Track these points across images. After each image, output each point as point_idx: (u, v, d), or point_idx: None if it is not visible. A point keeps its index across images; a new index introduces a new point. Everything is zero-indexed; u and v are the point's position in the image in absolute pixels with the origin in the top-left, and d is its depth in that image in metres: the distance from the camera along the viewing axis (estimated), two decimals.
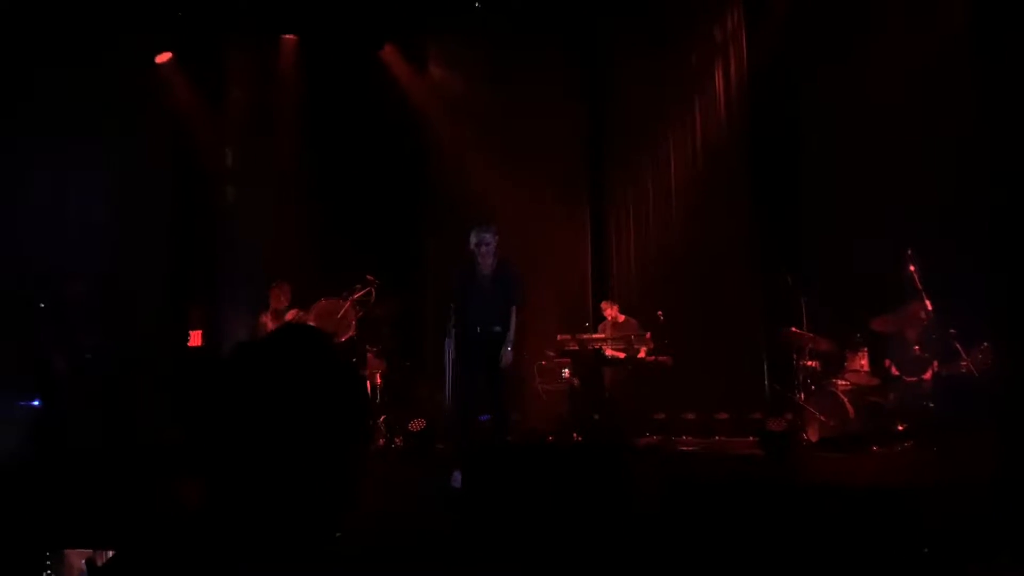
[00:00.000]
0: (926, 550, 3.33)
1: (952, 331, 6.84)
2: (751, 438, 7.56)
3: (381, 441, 7.79)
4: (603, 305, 8.78)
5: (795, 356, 7.57)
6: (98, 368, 7.04)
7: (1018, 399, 6.28)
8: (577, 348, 8.13)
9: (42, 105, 8.17)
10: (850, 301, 7.63)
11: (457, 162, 9.69)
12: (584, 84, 9.75)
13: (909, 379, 7.15)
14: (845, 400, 7.09)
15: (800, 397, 7.39)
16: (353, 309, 7.91)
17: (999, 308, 6.72)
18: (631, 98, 9.54)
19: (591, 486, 4.14)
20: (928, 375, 7.05)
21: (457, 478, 5.27)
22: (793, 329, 7.52)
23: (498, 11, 9.37)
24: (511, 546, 3.76)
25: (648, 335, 8.21)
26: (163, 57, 9.36)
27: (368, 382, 8.05)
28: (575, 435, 7.88)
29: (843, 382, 7.37)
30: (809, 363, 7.52)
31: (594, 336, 8.31)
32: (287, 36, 9.77)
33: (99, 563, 3.30)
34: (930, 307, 6.95)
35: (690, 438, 8.24)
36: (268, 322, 7.71)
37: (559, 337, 8.28)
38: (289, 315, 7.65)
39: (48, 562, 3.25)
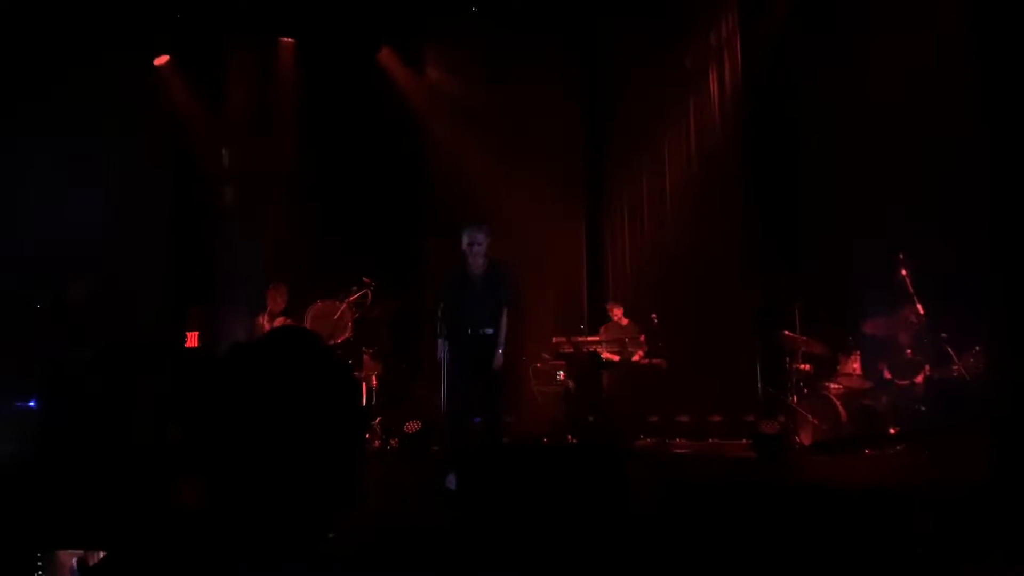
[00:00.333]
0: (920, 551, 3.36)
1: (944, 335, 6.88)
2: (744, 440, 7.61)
3: (377, 443, 7.82)
4: (609, 306, 8.81)
5: (788, 359, 7.61)
6: (95, 369, 7.05)
7: (1011, 401, 6.35)
8: (572, 351, 8.16)
9: (42, 106, 8.19)
10: (843, 304, 7.68)
11: (454, 164, 9.73)
12: (581, 86, 9.78)
13: (901, 382, 7.19)
14: (838, 403, 7.13)
15: (793, 400, 7.42)
16: (350, 311, 7.94)
17: (996, 311, 6.80)
18: (628, 100, 9.58)
19: (586, 488, 4.17)
20: (920, 379, 7.08)
21: (452, 480, 5.29)
22: (786, 332, 7.56)
23: (495, 14, 9.40)
24: (506, 548, 3.78)
25: (642, 338, 8.25)
26: (161, 60, 9.39)
27: (364, 384, 8.08)
28: (570, 437, 7.92)
29: (836, 385, 7.41)
30: (802, 366, 7.56)
31: (589, 339, 8.35)
32: (285, 39, 9.79)
33: (90, 563, 3.32)
34: (922, 311, 7.00)
35: (684, 440, 8.28)
36: (265, 323, 7.74)
37: (554, 339, 8.31)
38: (277, 322, 7.67)
39: (40, 563, 3.26)
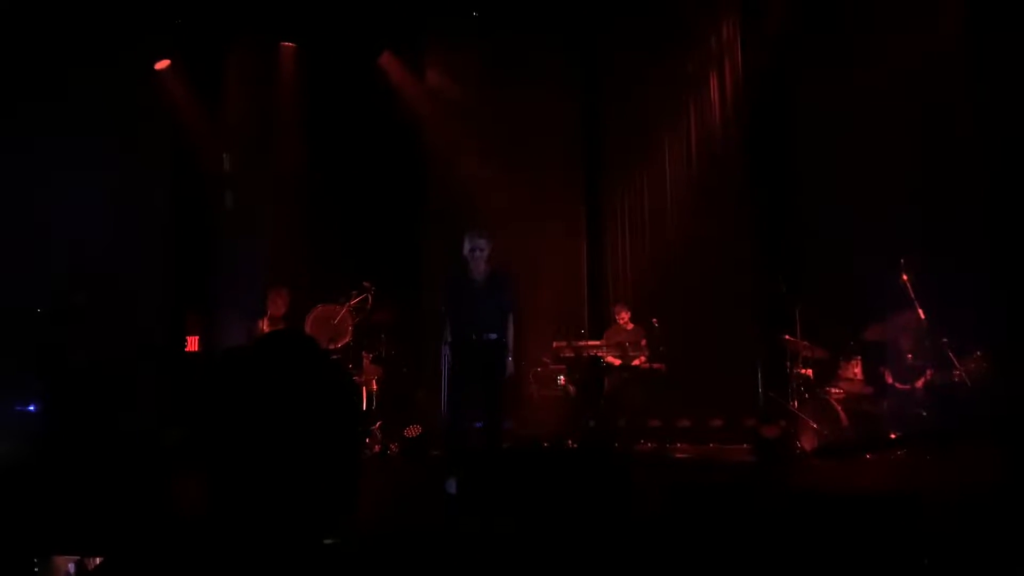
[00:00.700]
0: (926, 561, 3.35)
1: (945, 340, 6.87)
2: (745, 445, 7.59)
3: (377, 447, 7.81)
4: (617, 308, 8.81)
5: (789, 363, 7.60)
6: (95, 373, 7.05)
7: (1014, 406, 6.33)
8: (573, 355, 8.15)
9: (41, 108, 8.20)
10: (844, 309, 7.67)
11: (455, 168, 9.74)
12: (581, 90, 9.80)
13: (902, 387, 7.18)
14: (838, 408, 7.11)
15: (794, 405, 7.41)
16: (350, 315, 7.93)
17: (998, 315, 6.79)
18: (628, 104, 9.59)
19: (586, 493, 4.16)
20: (921, 383, 7.08)
21: (452, 485, 5.28)
22: (787, 337, 7.56)
23: (496, 18, 9.42)
24: (507, 552, 3.78)
25: (643, 342, 8.25)
26: (162, 64, 9.40)
27: (364, 388, 8.07)
28: (570, 442, 7.91)
29: (836, 390, 7.40)
30: (803, 371, 7.55)
31: (590, 343, 8.35)
32: (286, 43, 9.81)
33: (88, 569, 3.31)
34: (923, 316, 6.99)
35: (684, 445, 8.26)
36: (266, 327, 7.73)
37: (555, 344, 8.31)
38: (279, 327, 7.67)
39: (36, 568, 3.26)
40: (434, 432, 7.56)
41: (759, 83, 8.88)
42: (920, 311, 6.98)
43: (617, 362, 8.32)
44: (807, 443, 7.17)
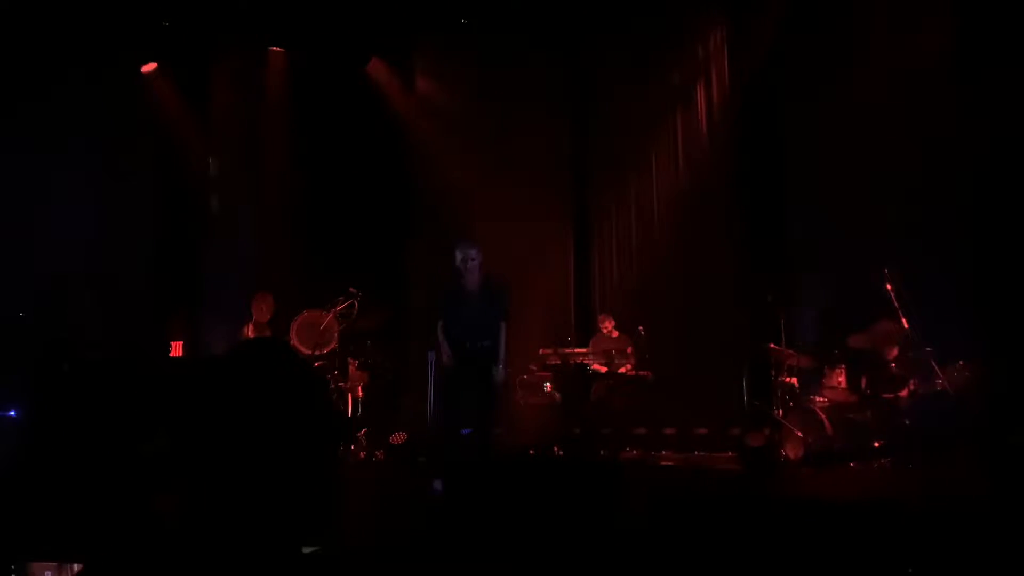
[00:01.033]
0: (910, 571, 3.36)
1: (928, 349, 6.92)
2: (730, 453, 7.61)
3: (362, 454, 7.77)
4: (601, 317, 8.83)
5: (774, 372, 7.63)
6: (76, 379, 6.98)
7: (997, 414, 6.38)
8: (559, 362, 8.15)
9: (25, 111, 8.14)
10: (829, 318, 7.72)
11: (442, 175, 9.73)
12: (569, 99, 9.83)
13: (886, 396, 7.22)
14: (823, 416, 7.14)
15: (779, 413, 7.44)
16: (336, 321, 7.90)
17: (982, 326, 6.85)
18: (616, 114, 9.63)
19: (571, 499, 4.16)
20: (905, 392, 7.12)
21: (438, 484, 5.29)
22: (772, 345, 7.59)
23: (485, 27, 9.44)
24: (493, 559, 3.77)
25: (629, 350, 8.26)
26: (148, 67, 9.36)
27: (349, 395, 8.04)
28: (556, 449, 7.90)
29: (821, 398, 7.43)
30: (788, 379, 7.58)
31: (576, 350, 8.35)
32: (274, 48, 9.79)
33: None
34: (906, 325, 7.04)
35: (670, 453, 8.27)
36: (250, 333, 7.69)
37: (541, 351, 8.31)
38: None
39: (13, 575, 3.23)
40: (420, 439, 7.54)
41: (745, 92, 8.94)
42: (904, 320, 7.03)
43: (603, 369, 8.33)
44: (792, 451, 7.19)
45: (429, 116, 9.99)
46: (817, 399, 7.41)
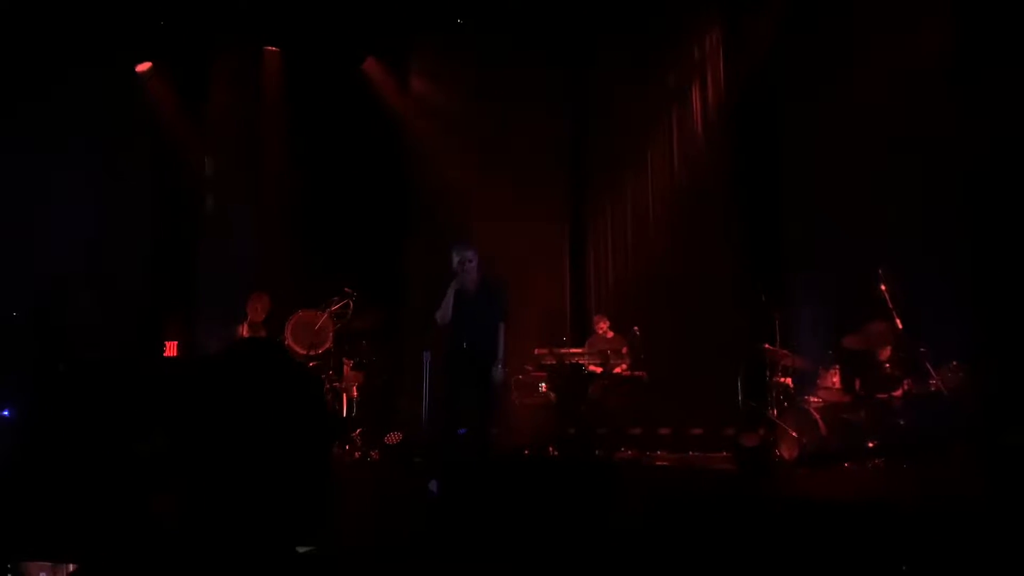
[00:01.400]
0: (904, 568, 3.37)
1: (922, 349, 6.95)
2: (724, 453, 7.63)
3: (357, 454, 7.76)
4: (596, 318, 8.84)
5: (768, 372, 7.65)
6: (71, 379, 6.97)
7: (990, 415, 6.41)
8: (554, 362, 8.16)
9: (20, 111, 8.13)
10: (823, 318, 7.74)
11: (438, 175, 9.73)
12: (566, 100, 9.83)
13: (880, 396, 7.24)
14: (817, 416, 7.16)
15: (773, 413, 7.45)
16: (331, 321, 7.90)
17: (975, 326, 6.88)
18: (613, 114, 9.64)
19: (566, 500, 4.16)
20: (899, 392, 7.14)
21: (434, 484, 5.30)
22: (767, 346, 7.61)
23: (481, 27, 9.44)
24: (488, 560, 3.77)
25: (624, 350, 8.27)
26: (144, 66, 9.34)
27: (345, 395, 8.04)
28: (551, 449, 7.91)
29: (815, 399, 7.45)
30: (782, 379, 7.60)
31: (571, 350, 8.35)
32: (270, 48, 9.78)
33: None
34: (900, 325, 7.06)
35: (665, 453, 8.28)
36: (245, 333, 7.68)
37: (536, 351, 8.31)
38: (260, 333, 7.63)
39: (8, 574, 3.22)
40: (415, 439, 7.53)
41: (742, 92, 8.96)
42: (898, 321, 7.05)
43: (599, 370, 8.33)
44: (786, 451, 7.21)
45: (425, 116, 9.99)
46: (812, 399, 7.43)
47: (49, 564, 3.32)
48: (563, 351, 8.28)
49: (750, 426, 7.51)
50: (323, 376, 7.82)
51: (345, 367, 8.16)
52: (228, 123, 9.58)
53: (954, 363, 6.94)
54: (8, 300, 7.72)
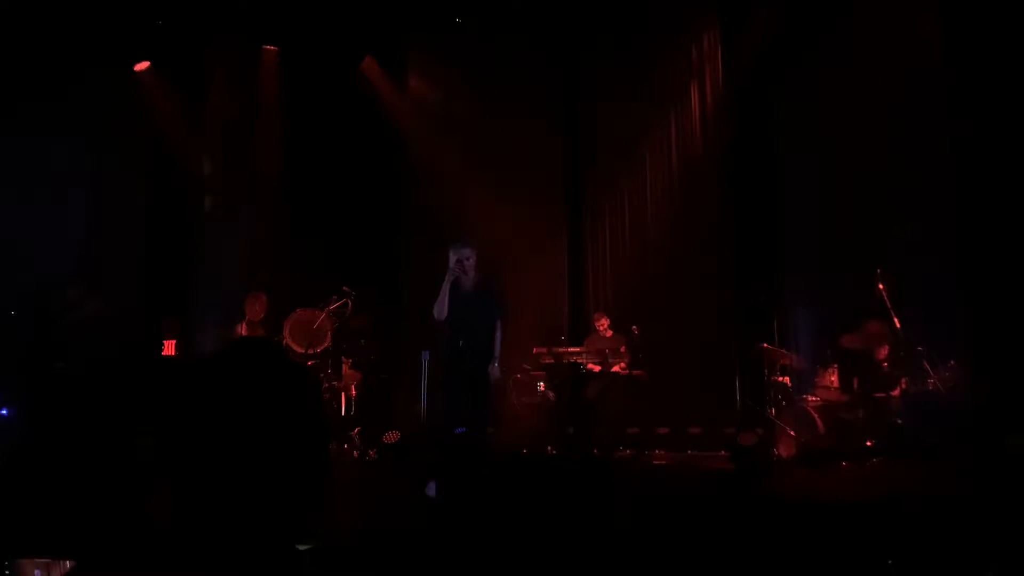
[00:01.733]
0: (889, 562, 3.38)
1: (920, 348, 6.96)
2: (723, 452, 7.63)
3: (355, 453, 7.77)
4: (596, 316, 8.85)
5: (767, 372, 7.66)
6: (70, 377, 6.98)
7: (984, 415, 6.42)
8: (553, 362, 8.16)
9: (17, 109, 8.12)
10: (822, 318, 7.74)
11: (436, 174, 9.72)
12: (563, 99, 9.83)
13: (878, 395, 7.26)
14: (815, 415, 7.17)
15: (771, 412, 7.47)
16: (329, 320, 7.90)
17: (973, 326, 6.89)
18: (610, 114, 9.64)
19: (565, 499, 4.17)
20: (897, 392, 7.16)
21: (432, 488, 5.29)
22: (765, 345, 7.62)
23: (479, 26, 9.44)
24: (486, 559, 3.77)
25: (623, 349, 8.27)
26: (141, 65, 9.34)
27: (343, 394, 8.03)
28: (549, 448, 7.91)
29: (813, 398, 7.46)
30: (780, 379, 7.60)
31: (570, 349, 8.36)
32: (268, 47, 9.77)
33: (52, 574, 3.28)
34: (898, 325, 7.07)
35: (663, 452, 8.29)
36: (244, 332, 7.68)
37: (535, 350, 8.31)
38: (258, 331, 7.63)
39: (6, 571, 3.22)
40: (413, 438, 7.53)
41: (740, 92, 8.97)
42: (896, 320, 7.06)
43: (597, 369, 8.34)
44: (784, 450, 7.23)
45: (423, 115, 9.99)
46: (810, 398, 7.44)
47: (45, 561, 3.31)
48: (562, 350, 8.28)
49: (748, 425, 7.53)
50: (321, 375, 7.82)
51: (343, 366, 8.16)
52: (225, 122, 9.56)
53: (952, 363, 6.96)
54: (7, 300, 7.72)
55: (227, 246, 9.28)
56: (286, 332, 7.87)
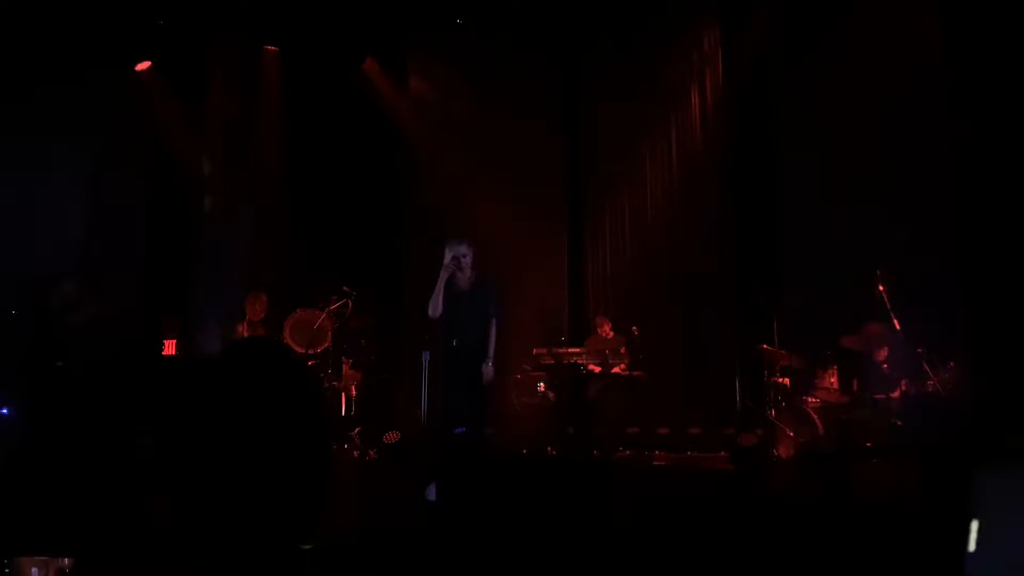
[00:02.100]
0: (896, 565, 3.39)
1: (920, 349, 6.96)
2: (722, 453, 7.64)
3: (355, 453, 7.77)
4: (599, 319, 8.85)
5: (767, 373, 7.66)
6: (70, 376, 6.98)
7: (982, 416, 6.42)
8: (553, 362, 8.16)
9: (17, 108, 8.12)
10: (821, 319, 7.74)
11: (436, 175, 9.74)
12: (564, 100, 9.83)
13: (877, 397, 7.26)
14: (815, 416, 7.18)
15: (771, 413, 7.47)
16: (329, 320, 7.90)
17: (973, 327, 6.89)
18: (610, 115, 9.65)
19: (564, 500, 4.17)
20: (896, 393, 7.15)
21: (431, 491, 5.27)
22: (764, 346, 7.62)
23: (480, 27, 9.44)
24: (486, 560, 3.78)
25: (623, 350, 8.28)
26: (142, 65, 9.34)
27: (343, 394, 8.04)
28: (550, 449, 7.91)
29: (813, 399, 7.46)
30: (780, 380, 7.60)
31: (570, 350, 8.36)
32: (269, 47, 9.77)
33: (51, 571, 3.28)
34: (898, 326, 7.07)
35: (663, 453, 8.29)
36: (244, 332, 7.69)
37: (535, 351, 8.31)
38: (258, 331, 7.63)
39: (7, 569, 3.22)
40: (413, 438, 7.54)
41: (740, 92, 8.97)
42: (895, 321, 7.06)
43: (597, 369, 8.34)
44: (784, 451, 7.23)
45: (423, 115, 10.00)
46: (809, 399, 7.44)
47: (45, 559, 3.31)
48: (562, 351, 8.28)
49: (748, 426, 7.53)
50: (322, 375, 7.82)
51: (344, 366, 8.16)
52: (226, 122, 9.57)
53: (951, 364, 6.96)
54: (8, 300, 7.71)
55: (227, 246, 9.29)
56: (286, 332, 7.87)
